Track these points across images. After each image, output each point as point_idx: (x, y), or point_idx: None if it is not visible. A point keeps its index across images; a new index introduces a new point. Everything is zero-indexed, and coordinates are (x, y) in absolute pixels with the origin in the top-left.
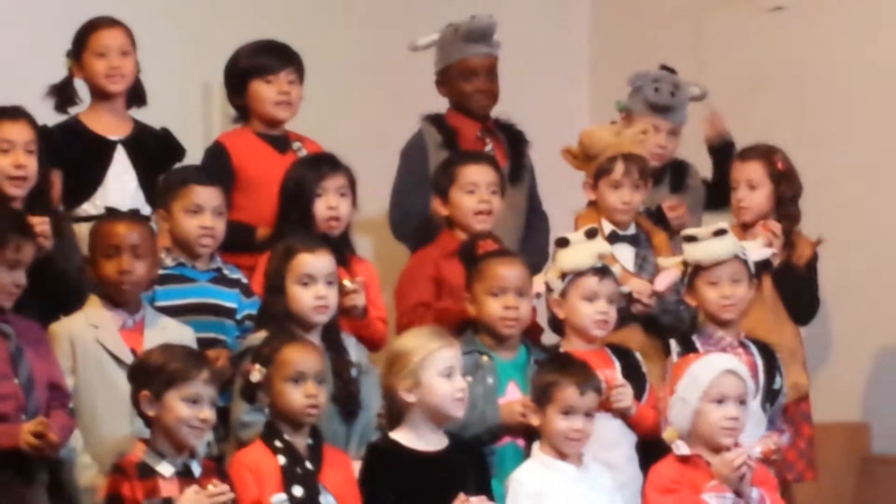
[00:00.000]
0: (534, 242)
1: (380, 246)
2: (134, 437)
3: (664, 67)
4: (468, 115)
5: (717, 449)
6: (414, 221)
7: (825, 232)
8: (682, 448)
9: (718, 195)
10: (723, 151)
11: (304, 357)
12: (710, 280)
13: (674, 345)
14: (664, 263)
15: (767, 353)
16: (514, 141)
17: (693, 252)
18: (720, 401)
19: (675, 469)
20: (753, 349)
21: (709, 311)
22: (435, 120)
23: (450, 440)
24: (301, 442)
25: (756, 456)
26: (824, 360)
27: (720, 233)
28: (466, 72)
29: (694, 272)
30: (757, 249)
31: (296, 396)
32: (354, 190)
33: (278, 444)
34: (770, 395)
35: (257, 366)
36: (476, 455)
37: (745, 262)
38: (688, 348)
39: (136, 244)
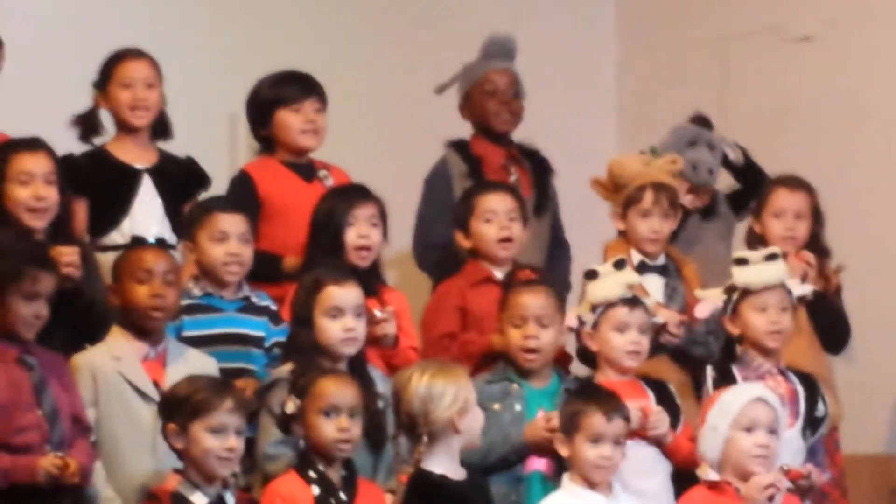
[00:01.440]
0: (555, 273)
1: (403, 276)
2: (157, 472)
3: (698, 119)
4: (493, 140)
5: (747, 478)
6: (438, 252)
7: (851, 262)
8: (711, 474)
9: (742, 204)
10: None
11: (338, 390)
12: (758, 306)
13: (710, 371)
14: (701, 295)
15: (808, 381)
16: (540, 170)
17: (743, 275)
18: (750, 429)
19: (705, 496)
20: (793, 378)
21: (753, 338)
22: (459, 147)
23: (465, 468)
24: (335, 474)
25: (787, 485)
26: (851, 391)
27: (772, 257)
28: (488, 86)
29: (740, 297)
30: (797, 286)
31: (328, 429)
32: (385, 220)
33: (312, 474)
34: (811, 423)
35: (292, 397)
36: (486, 480)
37: (789, 291)
38: (724, 376)
39: (166, 270)
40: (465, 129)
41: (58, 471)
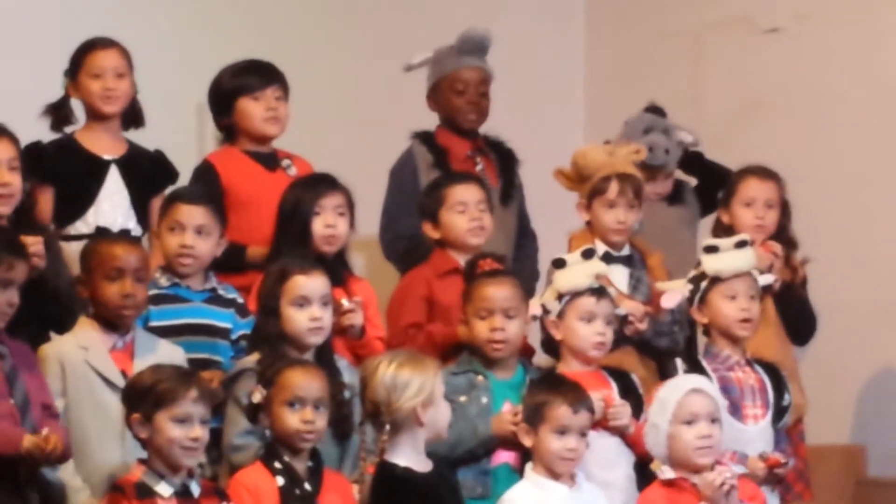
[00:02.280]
0: (523, 264)
1: (370, 265)
2: (125, 462)
3: (652, 108)
4: (458, 133)
5: (696, 470)
6: (404, 242)
7: (818, 253)
8: (666, 472)
9: (708, 200)
10: (692, 161)
11: (304, 381)
12: (728, 294)
13: (679, 363)
14: (663, 287)
15: (773, 371)
16: (506, 160)
17: (713, 262)
18: (690, 421)
19: (662, 494)
20: (758, 367)
21: (723, 327)
22: (425, 138)
23: (432, 460)
24: (301, 464)
25: (741, 472)
26: (820, 382)
27: (741, 244)
28: (458, 84)
29: (709, 285)
30: (760, 276)
31: (292, 420)
32: (352, 210)
33: (278, 465)
34: (779, 413)
35: (259, 387)
36: (453, 472)
37: (755, 279)
38: (694, 368)
39: (137, 267)
40: (430, 117)
41: (38, 449)
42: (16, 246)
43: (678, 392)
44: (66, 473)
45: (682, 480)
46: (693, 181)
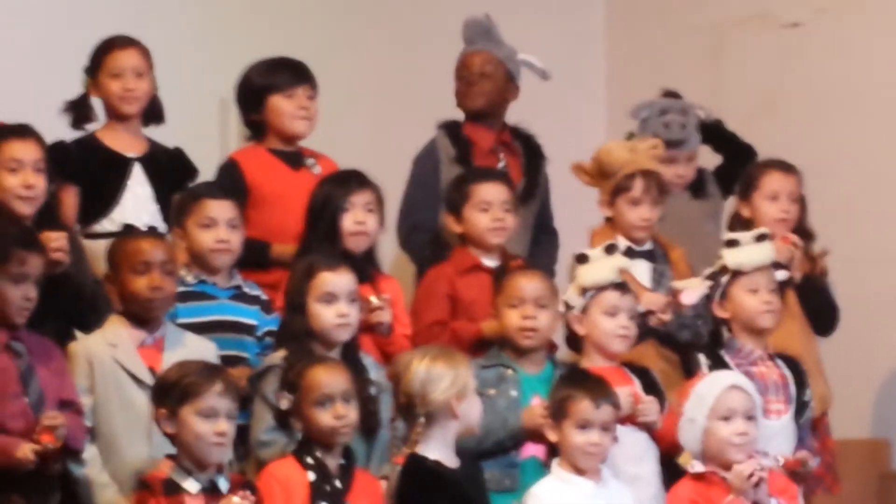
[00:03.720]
0: (539, 260)
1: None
2: (152, 459)
3: (668, 93)
4: (485, 124)
5: (728, 466)
6: (422, 234)
7: (840, 246)
8: (696, 466)
9: (731, 178)
10: (712, 130)
11: (329, 378)
12: (749, 287)
13: (702, 359)
14: (681, 285)
15: (794, 365)
16: (532, 156)
17: (734, 256)
18: (727, 417)
19: (692, 488)
20: (780, 363)
21: (746, 320)
22: (450, 129)
23: (460, 457)
24: (333, 461)
25: (771, 466)
26: (843, 376)
27: (762, 238)
28: (462, 70)
29: (730, 280)
30: (777, 272)
31: (325, 419)
32: (382, 207)
33: (310, 460)
34: (801, 408)
35: (284, 393)
36: (481, 470)
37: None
38: (716, 362)
39: (164, 260)
40: (438, 110)
41: (35, 455)
42: (28, 240)
43: (717, 388)
44: (93, 470)
45: (711, 474)
46: (712, 166)
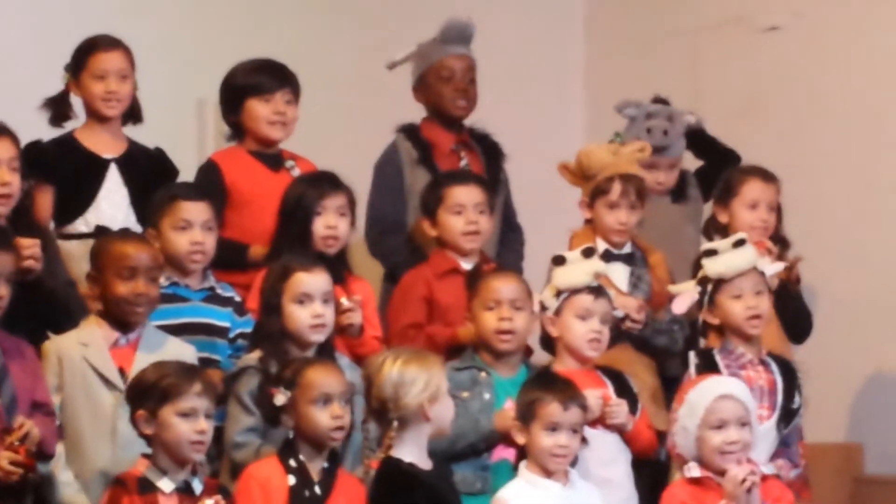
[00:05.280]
0: (506, 257)
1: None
2: (117, 459)
3: (657, 99)
4: (444, 125)
5: (723, 473)
6: (391, 238)
7: (815, 252)
8: (693, 470)
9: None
10: (696, 136)
11: (329, 378)
12: (733, 293)
13: (692, 357)
14: (675, 290)
15: (788, 370)
16: (491, 154)
17: (714, 266)
18: (719, 426)
19: (687, 491)
20: (774, 367)
21: (734, 326)
22: (409, 132)
23: (431, 458)
24: (317, 465)
25: (766, 472)
26: (817, 380)
27: (739, 243)
28: (444, 71)
29: (715, 288)
30: (768, 264)
31: (322, 418)
32: (354, 210)
33: (292, 462)
34: (787, 415)
35: (282, 389)
36: (450, 471)
37: (762, 274)
38: (707, 363)
39: (150, 266)
40: (416, 110)
41: (13, 467)
42: None
43: (707, 397)
44: (57, 467)
45: (707, 479)
46: (694, 168)
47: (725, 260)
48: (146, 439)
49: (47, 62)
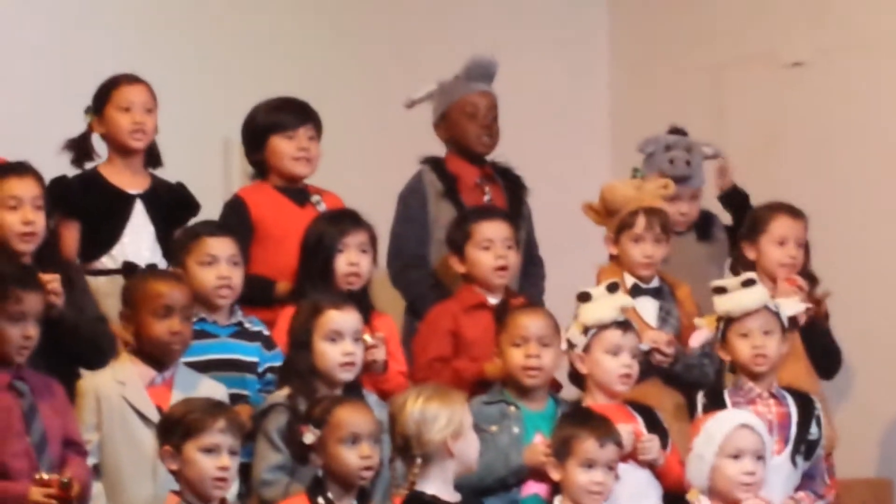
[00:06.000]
0: (527, 290)
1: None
2: (158, 497)
3: (674, 130)
4: (468, 159)
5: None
6: (414, 271)
7: (843, 287)
8: (703, 502)
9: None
10: (732, 198)
11: (358, 418)
12: (740, 332)
13: (700, 398)
14: (700, 323)
15: (805, 402)
16: (514, 188)
17: (722, 303)
18: (736, 456)
19: None
20: (789, 400)
21: (741, 364)
22: (434, 164)
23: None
24: (345, 503)
25: None
26: (846, 416)
27: (749, 283)
28: (469, 108)
29: (726, 325)
30: (792, 305)
31: (351, 458)
32: (375, 246)
33: (321, 501)
34: (805, 446)
35: (311, 427)
36: (482, 501)
37: (776, 314)
38: (715, 402)
39: (185, 305)
40: (437, 146)
41: (47, 499)
42: (25, 278)
43: (727, 426)
44: None
45: None
46: (725, 217)
47: (734, 298)
48: (174, 475)
49: (71, 103)
